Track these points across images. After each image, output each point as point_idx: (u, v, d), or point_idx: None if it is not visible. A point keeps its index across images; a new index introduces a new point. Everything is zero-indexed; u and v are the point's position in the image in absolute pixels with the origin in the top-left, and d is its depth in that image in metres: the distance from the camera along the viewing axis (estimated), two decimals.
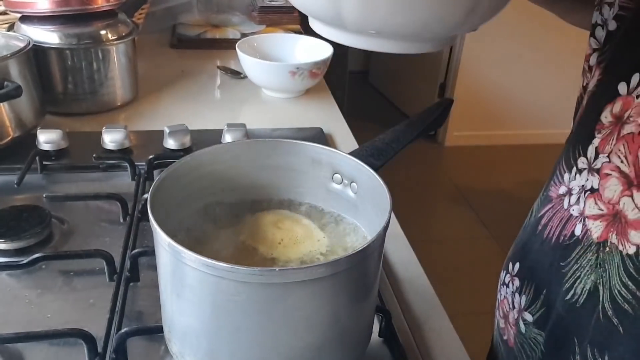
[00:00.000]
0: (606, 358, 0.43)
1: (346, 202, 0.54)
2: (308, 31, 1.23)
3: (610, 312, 0.42)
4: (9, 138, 0.81)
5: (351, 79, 2.73)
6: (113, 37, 0.94)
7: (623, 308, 0.41)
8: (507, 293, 0.56)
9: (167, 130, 0.84)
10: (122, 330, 0.50)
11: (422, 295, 0.62)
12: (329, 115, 1.03)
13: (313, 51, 1.08)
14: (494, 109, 2.99)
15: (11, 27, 0.95)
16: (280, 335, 0.42)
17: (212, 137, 0.89)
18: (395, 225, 0.74)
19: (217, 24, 1.38)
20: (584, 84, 0.52)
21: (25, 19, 0.92)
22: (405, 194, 2.43)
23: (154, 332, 0.51)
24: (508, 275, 0.56)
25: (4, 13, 1.01)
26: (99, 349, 0.50)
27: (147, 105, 1.01)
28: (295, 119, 1.01)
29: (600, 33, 0.49)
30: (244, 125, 0.86)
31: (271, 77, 1.05)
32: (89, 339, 0.50)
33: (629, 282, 0.41)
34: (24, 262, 0.58)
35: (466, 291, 1.85)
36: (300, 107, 1.07)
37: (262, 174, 0.55)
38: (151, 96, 0.98)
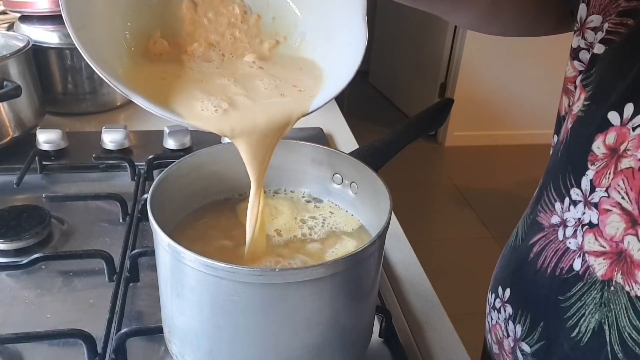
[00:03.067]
0: None
1: (346, 202, 0.54)
2: None
3: (620, 355, 0.40)
4: (9, 138, 0.81)
5: (351, 79, 2.73)
6: None
7: (635, 352, 0.39)
8: (499, 319, 0.53)
9: (167, 130, 0.84)
10: (122, 331, 0.50)
11: (423, 295, 0.62)
12: (329, 115, 1.03)
13: None
14: (495, 109, 2.99)
15: (11, 27, 0.95)
16: (280, 336, 0.41)
17: (212, 137, 0.88)
18: (395, 225, 0.73)
19: None
20: (569, 104, 0.50)
21: (25, 18, 0.92)
22: (406, 194, 2.43)
23: (154, 332, 0.51)
24: (498, 300, 0.53)
25: (3, 13, 1.01)
26: (99, 350, 0.50)
27: None
28: None
29: (586, 56, 0.47)
30: None
31: None
32: (88, 339, 0.50)
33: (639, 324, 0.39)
34: (24, 262, 0.58)
35: (467, 291, 1.84)
36: None
37: None
38: None
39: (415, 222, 2.28)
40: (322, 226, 0.52)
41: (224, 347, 0.42)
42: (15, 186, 0.73)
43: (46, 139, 0.81)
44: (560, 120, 0.51)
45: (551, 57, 2.76)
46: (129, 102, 1.01)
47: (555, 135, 0.51)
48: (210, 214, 0.53)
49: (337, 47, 0.43)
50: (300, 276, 0.39)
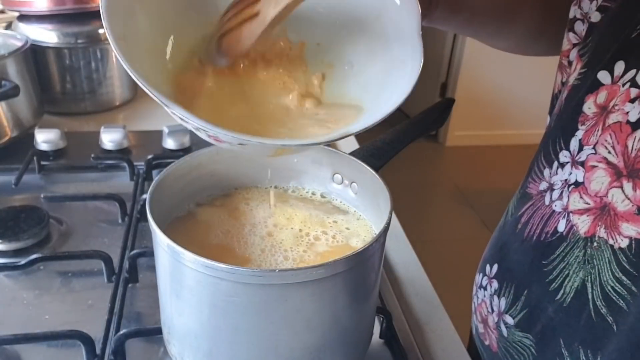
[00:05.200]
0: (599, 359, 0.42)
1: (346, 203, 0.53)
2: None
3: (603, 310, 0.41)
4: (7, 138, 0.80)
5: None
6: None
7: (618, 305, 0.40)
8: (484, 296, 0.54)
9: (166, 130, 0.84)
10: (121, 332, 0.50)
11: (423, 295, 0.62)
12: None
13: None
14: (496, 109, 2.98)
15: (9, 26, 0.94)
16: (280, 337, 0.41)
17: None
18: (396, 225, 0.73)
19: None
20: (563, 80, 0.51)
21: (23, 17, 0.92)
22: (406, 194, 2.43)
23: (153, 333, 0.51)
24: (485, 277, 0.54)
25: (1, 12, 1.01)
26: (98, 351, 0.50)
27: (146, 105, 1.01)
28: None
29: (581, 27, 0.48)
30: None
31: None
32: (87, 340, 0.49)
33: (623, 277, 0.40)
34: (22, 263, 0.58)
35: (467, 292, 1.84)
36: None
37: (262, 174, 0.55)
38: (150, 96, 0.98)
39: (416, 222, 2.28)
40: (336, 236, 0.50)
41: (223, 348, 0.42)
42: (13, 186, 0.73)
43: (45, 138, 0.81)
44: (553, 99, 0.52)
45: (553, 57, 2.76)
46: (128, 102, 1.01)
47: (549, 116, 0.52)
48: (209, 214, 0.53)
49: (388, 66, 0.41)
50: (300, 277, 0.38)
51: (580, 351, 0.43)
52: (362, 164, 0.50)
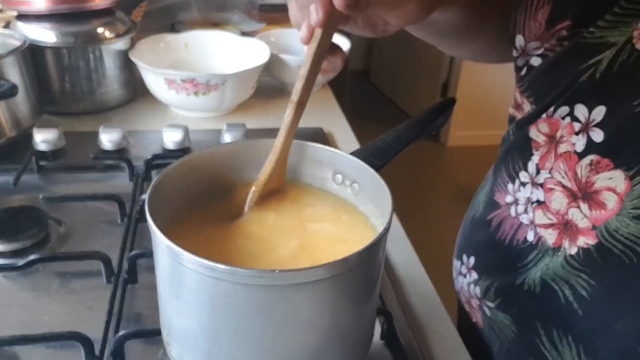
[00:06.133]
0: (569, 337, 0.48)
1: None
2: None
3: (570, 298, 0.47)
4: (5, 138, 0.80)
5: (352, 78, 2.73)
6: (111, 36, 0.93)
7: (581, 294, 0.46)
8: (464, 283, 0.60)
9: (165, 130, 0.83)
10: (120, 333, 0.50)
11: (424, 296, 0.62)
12: (329, 115, 1.03)
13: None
14: (497, 109, 2.97)
15: (7, 25, 0.94)
16: (280, 338, 0.41)
17: (211, 137, 0.88)
18: (397, 225, 0.73)
19: (217, 22, 1.37)
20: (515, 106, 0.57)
21: (22, 17, 0.92)
22: (408, 195, 2.43)
23: (152, 334, 0.50)
24: (464, 266, 0.60)
25: (0, 11, 1.00)
26: (97, 352, 0.50)
27: (145, 105, 1.01)
28: None
29: (522, 63, 0.54)
30: (243, 125, 0.85)
31: (282, 70, 1.06)
32: (86, 341, 0.49)
33: (582, 274, 0.46)
34: (21, 264, 0.58)
35: None
36: None
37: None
38: (149, 96, 0.98)
39: (417, 222, 2.27)
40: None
41: (223, 349, 0.42)
42: (11, 187, 0.73)
43: (43, 138, 0.80)
44: (510, 120, 0.59)
45: None
46: (127, 102, 1.01)
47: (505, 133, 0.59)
48: (209, 215, 0.53)
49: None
50: (300, 278, 0.38)
51: (554, 330, 0.49)
52: (363, 164, 0.50)
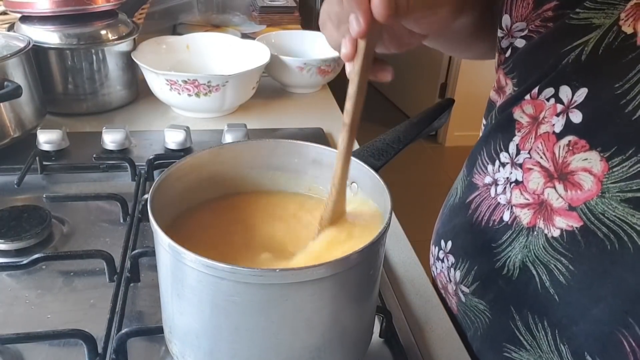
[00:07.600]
0: (545, 323, 0.48)
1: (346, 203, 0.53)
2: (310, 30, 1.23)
3: (547, 284, 0.48)
4: (9, 138, 0.81)
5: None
6: (113, 37, 0.94)
7: (559, 280, 0.47)
8: (442, 268, 0.61)
9: (167, 130, 0.84)
10: (123, 331, 0.50)
11: (423, 295, 0.62)
12: (329, 115, 1.03)
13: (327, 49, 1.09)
14: None
15: (11, 27, 0.95)
16: (281, 336, 0.41)
17: (212, 137, 0.88)
18: (396, 225, 0.73)
19: (218, 24, 1.37)
20: (497, 88, 0.58)
21: (26, 19, 0.92)
22: (406, 194, 2.43)
23: (155, 332, 0.51)
24: (442, 251, 0.61)
25: (4, 13, 1.01)
26: (99, 350, 0.50)
27: (147, 106, 1.01)
28: (295, 119, 1.00)
29: (506, 44, 0.54)
30: (244, 125, 0.86)
31: (282, 71, 1.07)
32: (89, 339, 0.50)
33: (562, 258, 0.47)
34: (24, 262, 0.58)
35: None
36: (300, 107, 1.07)
37: (263, 175, 0.55)
38: (151, 96, 0.98)
39: (416, 222, 2.27)
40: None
41: (224, 347, 0.42)
42: (15, 186, 0.73)
43: (47, 139, 0.81)
44: (489, 103, 0.59)
45: None
46: (130, 103, 1.01)
47: (484, 118, 0.60)
48: (211, 214, 0.53)
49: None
50: (300, 276, 0.38)
51: (529, 316, 0.50)
52: (362, 164, 0.50)
